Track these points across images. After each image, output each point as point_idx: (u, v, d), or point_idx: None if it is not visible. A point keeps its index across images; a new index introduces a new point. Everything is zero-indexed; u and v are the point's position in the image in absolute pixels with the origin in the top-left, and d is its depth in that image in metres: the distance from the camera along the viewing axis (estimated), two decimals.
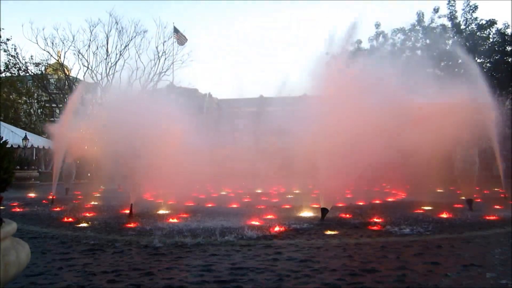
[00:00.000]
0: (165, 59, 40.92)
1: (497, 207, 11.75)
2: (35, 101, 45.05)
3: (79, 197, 16.02)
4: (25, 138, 27.45)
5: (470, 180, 11.70)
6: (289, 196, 16.23)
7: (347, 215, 10.15)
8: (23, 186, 21.17)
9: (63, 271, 5.15)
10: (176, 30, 41.28)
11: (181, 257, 5.86)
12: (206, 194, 16.96)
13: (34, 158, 32.13)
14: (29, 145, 28.16)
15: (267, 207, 12.08)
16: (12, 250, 2.87)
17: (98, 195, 16.98)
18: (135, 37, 39.52)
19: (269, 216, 9.83)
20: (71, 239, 7.27)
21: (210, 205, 12.99)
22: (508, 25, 29.95)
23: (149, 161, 10.54)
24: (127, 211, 10.44)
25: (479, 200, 13.91)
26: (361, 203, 13.49)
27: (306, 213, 10.43)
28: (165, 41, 40.82)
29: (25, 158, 27.65)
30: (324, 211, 9.44)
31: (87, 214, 10.52)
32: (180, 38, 41.26)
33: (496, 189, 15.80)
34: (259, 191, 18.91)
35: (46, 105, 45.45)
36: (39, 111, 45.62)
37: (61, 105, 42.24)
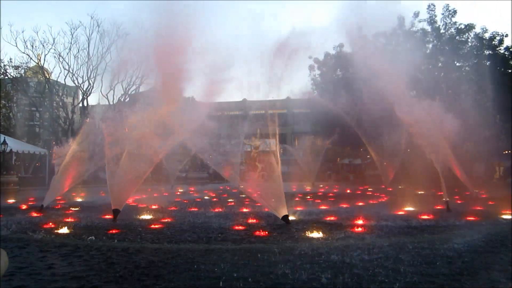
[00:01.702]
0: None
1: (477, 207, 12.01)
2: (14, 105, 44.21)
3: (62, 201, 15.71)
4: (4, 143, 26.88)
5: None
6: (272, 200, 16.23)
7: (331, 218, 10.24)
8: (2, 192, 20.72)
9: (36, 276, 5.06)
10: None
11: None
12: (189, 199, 16.87)
13: (13, 163, 31.50)
14: (8, 150, 27.58)
15: (250, 211, 12.08)
16: None
17: (81, 200, 16.73)
18: (117, 40, 39.12)
19: (252, 220, 9.84)
20: (52, 245, 7.13)
21: (193, 209, 12.91)
22: (486, 29, 30.56)
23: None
24: (110, 217, 10.30)
25: (460, 201, 14.21)
26: (344, 206, 13.61)
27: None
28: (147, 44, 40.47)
29: (4, 163, 27.10)
30: (285, 218, 9.39)
31: (69, 220, 10.33)
32: None
33: (476, 190, 16.09)
34: (243, 196, 18.89)
35: (26, 108, 44.65)
36: (18, 115, 44.76)
37: (41, 109, 41.54)
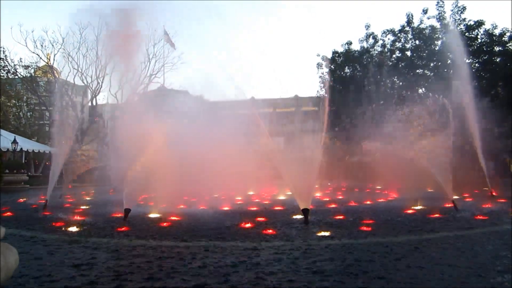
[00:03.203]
0: (156, 61, 40.82)
1: (487, 206, 11.91)
2: (25, 104, 44.69)
3: (70, 200, 15.86)
4: (14, 142, 27.18)
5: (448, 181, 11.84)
6: (281, 198, 16.24)
7: (339, 216, 10.20)
8: (13, 190, 20.96)
9: (52, 276, 5.09)
10: (166, 33, 41.20)
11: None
12: (197, 196, 16.89)
13: (23, 161, 31.83)
14: (18, 149, 27.90)
15: (259, 209, 12.09)
16: (1, 255, 2.85)
17: (90, 199, 16.86)
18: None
19: (260, 218, 9.84)
20: (65, 243, 7.19)
21: (202, 207, 12.95)
22: (496, 26, 30.28)
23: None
24: (120, 215, 10.35)
25: (470, 199, 14.12)
26: (353, 204, 13.57)
27: (299, 216, 10.41)
28: (155, 44, 40.74)
29: (14, 162, 27.41)
30: (305, 211, 9.38)
31: (78, 218, 10.41)
32: (170, 41, 41.23)
33: (485, 188, 15.95)
34: (251, 192, 18.90)
35: (36, 108, 45.10)
36: (28, 114, 45.22)
37: (50, 108, 41.95)
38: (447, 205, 11.82)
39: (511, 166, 32.67)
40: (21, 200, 16.51)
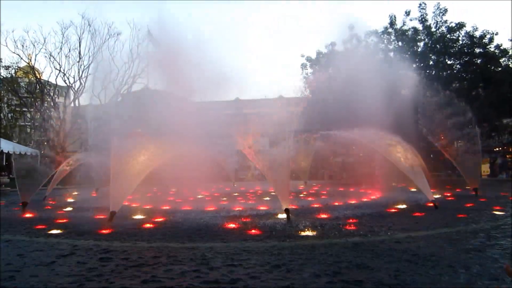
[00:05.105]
0: (140, 61, 40.43)
1: (468, 205, 12.12)
2: (5, 105, 43.88)
3: (52, 202, 15.65)
4: None
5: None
6: (266, 198, 16.26)
7: (323, 216, 10.27)
8: None
9: (34, 277, 5.03)
10: (150, 33, 40.84)
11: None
12: (182, 198, 16.84)
13: (4, 163, 31.27)
14: None
15: (243, 210, 12.10)
16: None
17: (73, 200, 16.67)
18: (108, 39, 38.94)
19: (245, 219, 9.86)
20: (48, 246, 7.10)
21: (186, 208, 12.90)
22: (477, 28, 30.86)
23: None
24: (103, 217, 10.24)
25: (451, 198, 14.36)
26: (337, 204, 13.66)
27: (283, 215, 10.44)
28: (139, 44, 40.33)
29: None
30: (287, 211, 9.54)
31: (61, 221, 10.27)
32: (153, 40, 40.88)
33: (468, 188, 16.20)
34: (235, 194, 18.91)
35: (17, 109, 44.33)
36: (9, 115, 44.43)
37: (32, 109, 41.27)
38: (428, 204, 12.00)
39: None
40: (2, 202, 16.22)
